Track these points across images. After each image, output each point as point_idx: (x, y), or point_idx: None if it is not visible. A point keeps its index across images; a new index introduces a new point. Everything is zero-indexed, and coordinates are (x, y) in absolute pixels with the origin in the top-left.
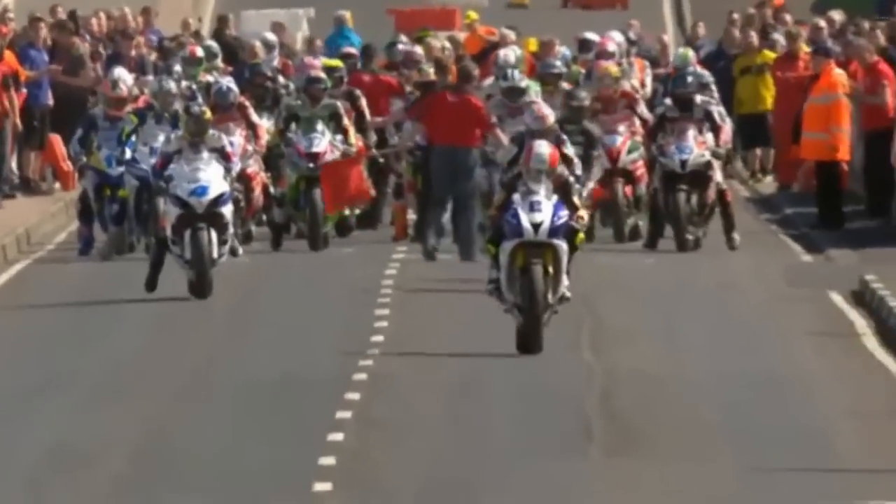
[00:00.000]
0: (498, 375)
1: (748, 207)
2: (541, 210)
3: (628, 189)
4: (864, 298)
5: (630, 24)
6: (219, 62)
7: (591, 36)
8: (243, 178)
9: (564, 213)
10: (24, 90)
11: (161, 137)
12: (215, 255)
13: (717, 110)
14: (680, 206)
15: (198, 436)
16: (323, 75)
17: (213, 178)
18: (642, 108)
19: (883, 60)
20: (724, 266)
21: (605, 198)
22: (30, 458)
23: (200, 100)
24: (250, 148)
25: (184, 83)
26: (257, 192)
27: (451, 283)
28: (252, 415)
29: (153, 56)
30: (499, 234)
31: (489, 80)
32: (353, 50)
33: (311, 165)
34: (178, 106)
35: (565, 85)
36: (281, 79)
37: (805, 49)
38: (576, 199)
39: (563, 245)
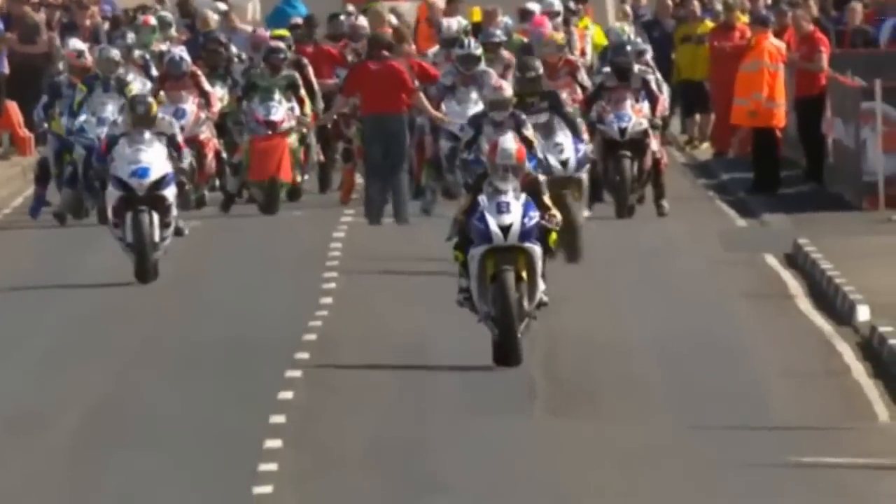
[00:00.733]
0: (444, 337)
1: (685, 173)
2: (509, 211)
3: None
4: (797, 261)
5: None
6: (173, 31)
7: (533, 6)
8: (196, 145)
9: (535, 214)
10: None
11: (109, 107)
12: (157, 238)
13: (654, 79)
14: (626, 171)
15: (150, 396)
16: (283, 45)
17: (154, 160)
18: (583, 76)
19: (818, 30)
20: (661, 231)
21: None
22: None
23: (153, 71)
24: (203, 115)
25: (137, 52)
26: (210, 157)
27: (398, 246)
28: (203, 375)
29: (107, 26)
30: (466, 239)
31: (434, 49)
32: (300, 20)
33: (270, 133)
34: (122, 73)
35: (506, 53)
36: (233, 48)
37: (742, 19)
38: (545, 198)
39: (535, 248)
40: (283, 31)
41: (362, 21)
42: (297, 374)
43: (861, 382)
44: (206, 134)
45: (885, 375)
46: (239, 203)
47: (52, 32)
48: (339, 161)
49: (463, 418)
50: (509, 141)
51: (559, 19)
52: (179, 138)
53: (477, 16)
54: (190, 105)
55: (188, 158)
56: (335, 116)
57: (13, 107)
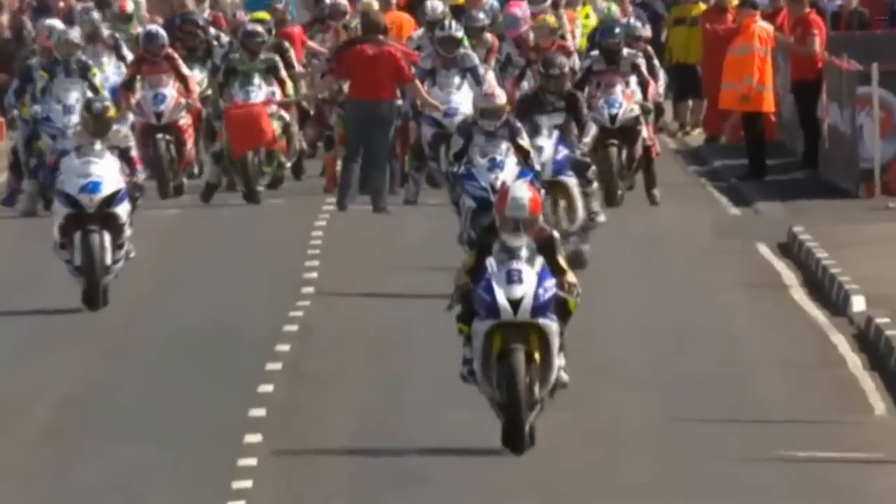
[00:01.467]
0: (426, 327)
1: (676, 160)
2: (521, 281)
3: None
4: (791, 250)
5: None
6: (143, 12)
7: None
8: (175, 131)
9: (551, 283)
10: None
11: (73, 94)
12: (109, 261)
13: (651, 64)
14: (612, 160)
15: (127, 386)
16: (260, 29)
17: (106, 174)
18: (574, 60)
19: (814, 11)
20: (651, 219)
21: None
22: None
23: (125, 51)
24: (182, 100)
25: (106, 31)
26: (189, 145)
27: (380, 234)
28: (181, 366)
29: (80, 7)
30: (469, 310)
31: (419, 32)
32: (280, 4)
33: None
34: (85, 55)
35: (489, 37)
36: (212, 30)
37: (734, 2)
38: (561, 259)
39: (551, 324)
40: (263, 15)
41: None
42: (277, 366)
43: (856, 374)
44: (186, 120)
45: (881, 367)
46: (219, 191)
47: (23, 14)
48: (321, 149)
49: (444, 411)
50: (522, 189)
51: (548, 3)
52: (134, 153)
53: None
54: (170, 90)
55: (143, 175)
56: (321, 95)
57: None
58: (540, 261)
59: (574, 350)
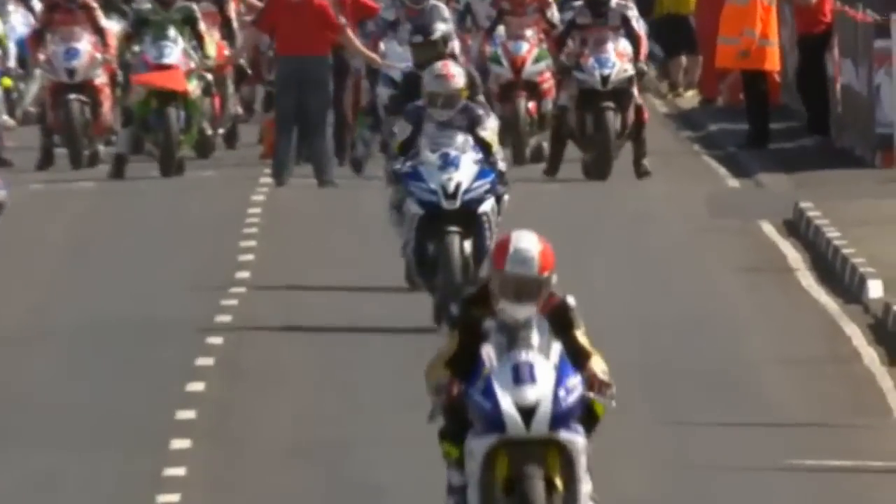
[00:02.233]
0: (374, 316)
1: (666, 125)
2: (534, 380)
3: (532, 105)
4: (798, 229)
5: None
6: None
7: None
8: (90, 91)
9: (575, 382)
10: None
11: None
12: None
13: (635, 15)
14: (609, 126)
15: (32, 386)
16: None
17: None
18: (553, 12)
19: None
20: (638, 194)
21: (506, 114)
22: None
23: (36, 1)
24: (98, 56)
25: None
26: (106, 106)
27: (326, 211)
28: (96, 362)
29: None
30: (458, 421)
31: None
32: None
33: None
34: None
35: None
36: None
37: None
38: (582, 337)
39: (576, 439)
40: None
41: None
42: (208, 361)
43: (872, 371)
44: (102, 79)
45: None
46: (136, 161)
47: None
48: (258, 111)
49: (394, 413)
50: (527, 238)
51: None
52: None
53: None
54: (84, 44)
55: (3, 191)
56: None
57: None
58: (557, 348)
59: None
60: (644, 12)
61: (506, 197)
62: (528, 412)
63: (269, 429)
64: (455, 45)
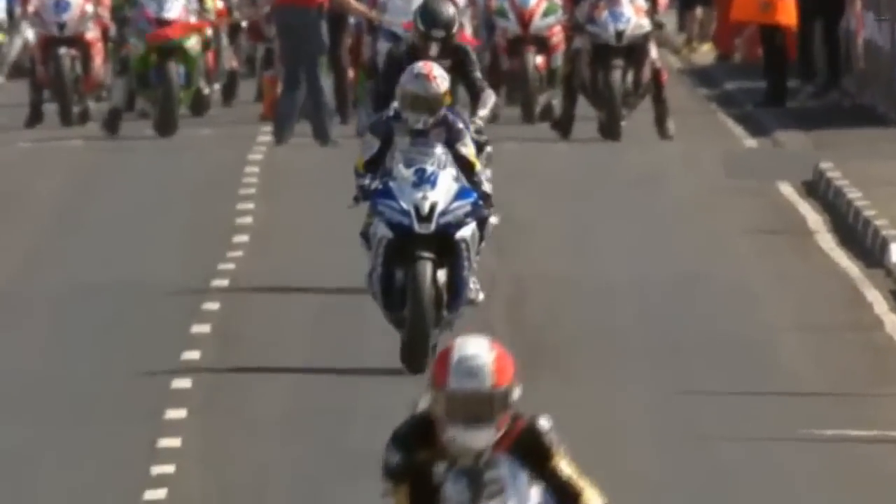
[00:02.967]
0: None
1: (682, 81)
2: None
3: (541, 60)
4: (817, 190)
5: None
6: None
7: None
8: (81, 45)
9: None
10: None
11: None
12: None
13: None
14: (615, 85)
15: (16, 355)
16: None
17: None
18: None
19: None
20: (651, 153)
21: (514, 69)
22: None
23: None
24: (90, 9)
25: None
26: (98, 61)
27: (327, 170)
28: (86, 328)
29: None
30: None
31: None
32: None
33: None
34: None
35: None
36: None
37: None
38: (565, 468)
39: None
40: None
41: None
42: (204, 328)
43: (895, 338)
44: (94, 32)
45: None
46: (128, 119)
47: None
48: (258, 67)
49: (401, 381)
50: (475, 345)
51: None
52: None
53: None
54: None
55: None
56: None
57: None
58: (537, 495)
59: (565, 311)
60: None
61: (492, 220)
62: None
63: (266, 397)
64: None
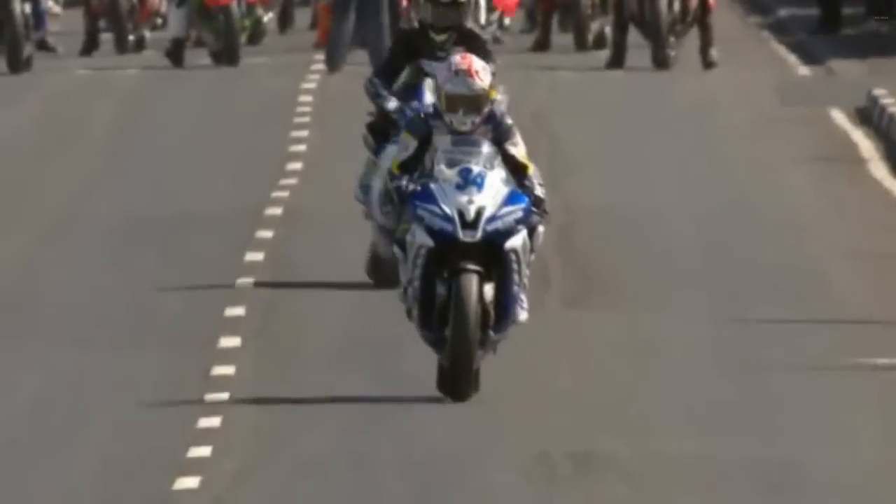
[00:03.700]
0: None
1: (733, 8)
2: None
3: None
4: (871, 117)
5: None
6: None
7: None
8: None
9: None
10: None
11: None
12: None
13: None
14: (661, 13)
15: (72, 282)
16: None
17: None
18: None
19: None
20: (704, 82)
21: None
22: None
23: None
24: None
25: None
26: None
27: None
28: (141, 257)
29: None
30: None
31: None
32: None
33: None
34: None
35: None
36: None
37: None
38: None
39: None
40: None
41: None
42: (258, 256)
43: None
44: None
45: None
46: (187, 47)
47: None
48: None
49: None
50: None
51: None
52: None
53: None
54: None
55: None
56: None
57: None
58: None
59: (616, 239)
60: None
61: (540, 229)
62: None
63: (319, 326)
64: None
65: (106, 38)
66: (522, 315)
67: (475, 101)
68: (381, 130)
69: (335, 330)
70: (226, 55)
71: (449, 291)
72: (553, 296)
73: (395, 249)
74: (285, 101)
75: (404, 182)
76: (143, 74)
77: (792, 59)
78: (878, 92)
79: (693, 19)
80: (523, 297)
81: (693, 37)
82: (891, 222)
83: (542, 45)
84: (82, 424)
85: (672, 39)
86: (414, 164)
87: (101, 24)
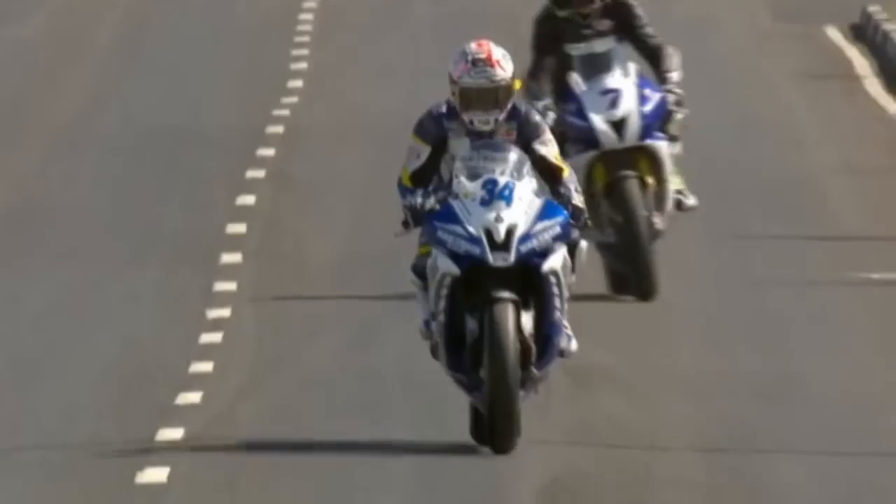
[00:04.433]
0: None
1: None
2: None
3: None
4: (865, 33)
5: None
6: None
7: None
8: None
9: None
10: None
11: None
12: None
13: None
14: None
15: (76, 196)
16: None
17: None
18: None
19: None
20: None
21: None
22: None
23: None
24: None
25: None
26: None
27: (384, 14)
28: (144, 173)
29: None
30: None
31: None
32: None
33: None
34: None
35: None
36: None
37: None
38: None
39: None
40: None
41: None
42: (259, 174)
43: None
44: None
45: None
46: None
47: None
48: None
49: None
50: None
51: None
52: None
53: None
54: None
55: None
56: None
57: None
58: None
59: None
60: None
61: (582, 245)
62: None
63: (319, 242)
64: None
65: None
66: (572, 344)
67: (498, 94)
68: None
69: (336, 245)
70: None
71: (481, 325)
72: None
73: (413, 278)
74: (286, 19)
75: (419, 198)
76: None
77: None
78: (872, 9)
79: None
80: (567, 323)
81: None
82: (884, 138)
83: None
84: (87, 338)
85: None
86: (428, 174)
87: None
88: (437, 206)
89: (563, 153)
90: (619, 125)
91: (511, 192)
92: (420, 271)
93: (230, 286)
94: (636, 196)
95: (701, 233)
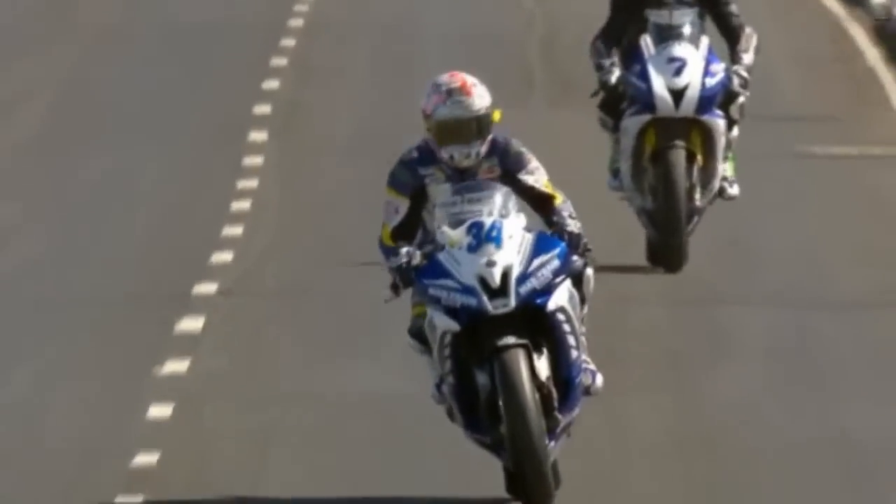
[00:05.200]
0: (437, 20)
1: None
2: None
3: None
4: None
5: None
6: None
7: None
8: None
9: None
10: None
11: None
12: None
13: None
14: None
15: (120, 85)
16: None
17: None
18: None
19: None
20: None
21: None
22: None
23: None
24: None
25: None
26: None
27: None
28: (180, 61)
29: None
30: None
31: None
32: None
33: None
34: None
35: None
36: None
37: None
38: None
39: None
40: None
41: None
42: (282, 61)
43: (874, 67)
44: None
45: None
46: None
47: None
48: None
49: None
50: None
51: None
52: None
53: None
54: None
55: None
56: None
57: None
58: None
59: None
60: None
61: (588, 272)
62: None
63: (338, 121)
64: None
65: None
66: (597, 380)
67: (478, 125)
68: (614, 105)
69: (352, 124)
70: None
71: (492, 378)
72: (537, 97)
73: (411, 342)
74: None
75: (403, 259)
76: None
77: None
78: None
79: None
80: (587, 358)
81: None
82: (824, 31)
83: None
84: (132, 207)
85: None
86: (411, 228)
87: None
88: (424, 262)
89: (620, 112)
90: (678, 94)
91: (499, 232)
92: (417, 334)
93: (257, 160)
94: (680, 166)
95: None
